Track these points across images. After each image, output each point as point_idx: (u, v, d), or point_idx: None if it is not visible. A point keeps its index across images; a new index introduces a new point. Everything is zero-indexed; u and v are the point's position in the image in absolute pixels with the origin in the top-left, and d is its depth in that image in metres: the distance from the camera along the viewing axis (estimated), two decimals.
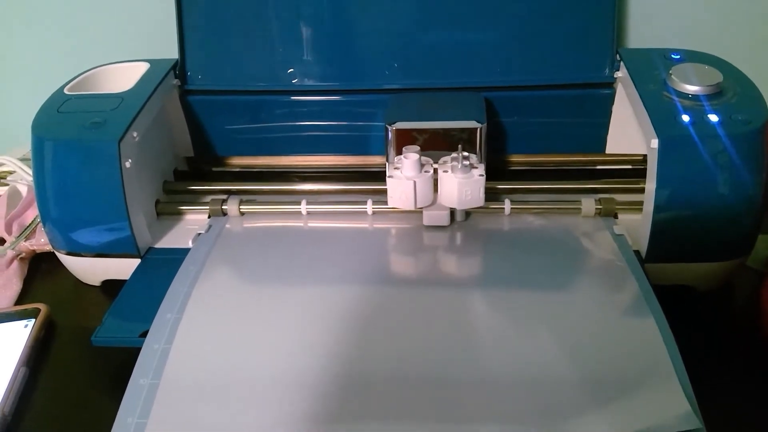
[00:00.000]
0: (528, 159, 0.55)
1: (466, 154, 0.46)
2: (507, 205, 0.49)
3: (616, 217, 0.49)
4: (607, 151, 0.55)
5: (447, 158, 0.47)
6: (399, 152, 0.47)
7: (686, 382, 0.34)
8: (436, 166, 0.47)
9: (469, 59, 0.54)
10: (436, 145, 0.48)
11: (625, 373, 0.35)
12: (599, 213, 0.49)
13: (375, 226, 0.50)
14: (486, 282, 0.43)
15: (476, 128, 0.47)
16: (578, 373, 0.35)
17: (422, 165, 0.47)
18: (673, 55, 0.50)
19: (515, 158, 0.55)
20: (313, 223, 0.50)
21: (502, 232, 0.48)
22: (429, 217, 0.48)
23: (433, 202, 0.48)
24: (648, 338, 0.37)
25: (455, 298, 0.42)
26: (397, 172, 0.47)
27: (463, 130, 0.48)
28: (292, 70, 0.55)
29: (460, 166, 0.46)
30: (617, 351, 0.37)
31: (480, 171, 0.46)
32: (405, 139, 0.48)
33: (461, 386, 0.35)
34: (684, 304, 0.45)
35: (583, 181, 0.52)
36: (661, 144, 0.42)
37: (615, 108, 0.53)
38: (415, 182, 0.46)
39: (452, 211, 0.48)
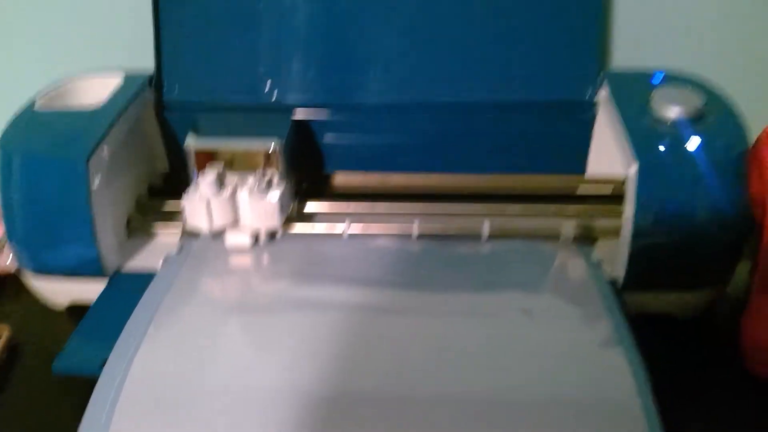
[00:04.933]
0: (505, 180, 0.54)
1: (268, 174, 0.47)
2: (485, 228, 0.48)
3: (594, 243, 0.48)
4: (588, 173, 0.54)
5: (250, 178, 0.47)
6: (200, 171, 0.48)
7: (654, 421, 0.33)
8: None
9: (450, 75, 0.53)
10: (243, 164, 0.48)
11: (589, 411, 0.34)
12: (577, 239, 0.48)
13: (352, 246, 0.49)
14: (452, 307, 0.42)
15: (272, 149, 0.47)
16: (537, 408, 0.35)
17: (223, 185, 0.47)
18: (655, 78, 0.50)
19: (493, 179, 0.54)
20: (291, 243, 0.49)
21: (478, 256, 0.47)
22: (229, 239, 0.48)
23: (237, 222, 0.48)
24: (616, 373, 0.36)
25: (425, 322, 0.41)
26: (195, 191, 0.47)
27: (260, 150, 0.48)
28: (271, 84, 0.54)
29: (256, 187, 0.46)
30: (581, 386, 0.36)
31: (278, 192, 0.47)
32: (207, 158, 0.48)
33: (419, 411, 0.35)
34: (664, 333, 0.44)
35: (562, 205, 0.51)
36: (639, 170, 0.41)
37: (596, 129, 0.52)
38: (208, 202, 0.46)
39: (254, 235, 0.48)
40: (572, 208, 0.51)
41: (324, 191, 0.55)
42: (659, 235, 0.42)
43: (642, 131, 0.44)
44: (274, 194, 0.47)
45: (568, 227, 0.48)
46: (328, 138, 0.54)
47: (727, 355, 0.42)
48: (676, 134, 0.43)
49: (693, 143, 0.42)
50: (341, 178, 0.55)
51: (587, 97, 0.52)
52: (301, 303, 0.43)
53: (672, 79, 0.49)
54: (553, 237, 0.48)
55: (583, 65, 0.52)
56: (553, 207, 0.51)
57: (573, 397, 0.35)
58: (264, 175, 0.47)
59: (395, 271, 0.46)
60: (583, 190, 0.53)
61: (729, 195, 0.42)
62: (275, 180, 0.48)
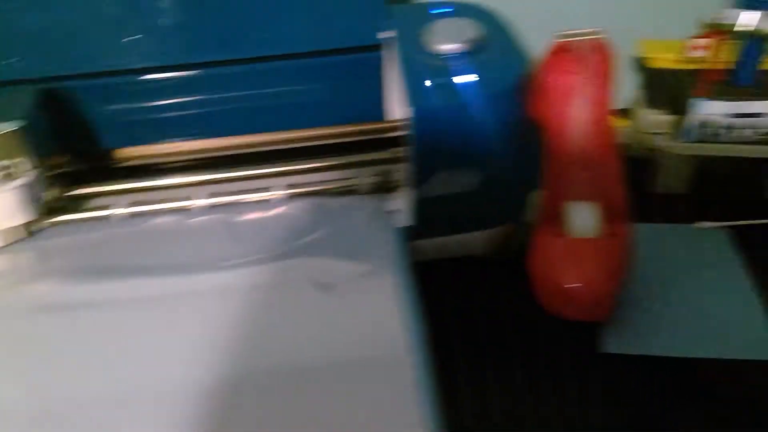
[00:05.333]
0: (302, 135, 0.50)
1: (9, 163, 0.41)
2: (276, 191, 0.44)
3: (393, 192, 0.45)
4: (387, 118, 0.51)
5: None
6: None
7: (425, 375, 0.31)
8: None
9: (229, 32, 0.48)
10: None
11: (361, 373, 0.33)
12: (375, 189, 0.45)
13: (126, 230, 0.43)
14: (236, 282, 0.39)
15: (10, 132, 0.40)
16: (311, 376, 0.33)
17: None
18: (439, 10, 0.46)
19: (288, 135, 0.49)
20: (49, 238, 0.43)
21: (267, 221, 0.43)
22: None
23: None
24: (391, 331, 0.34)
25: (206, 304, 0.38)
26: None
27: None
28: (12, 55, 0.46)
29: None
30: (356, 348, 0.34)
31: (21, 182, 0.41)
32: None
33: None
34: (461, 274, 0.43)
35: (359, 155, 0.48)
36: (413, 112, 0.38)
37: (388, 72, 0.49)
38: None
39: None
40: (369, 157, 0.47)
41: (96, 170, 0.48)
42: (442, 179, 0.40)
43: (417, 70, 0.41)
44: (17, 185, 0.40)
45: (364, 179, 0.45)
46: (91, 110, 0.48)
47: (519, 292, 0.41)
48: (451, 70, 0.40)
49: (467, 79, 0.40)
50: (116, 154, 0.49)
51: (373, 39, 0.48)
52: (54, 308, 0.38)
53: (457, 10, 0.46)
54: (349, 190, 0.45)
55: (366, 5, 0.48)
56: (349, 159, 0.47)
57: (347, 360, 0.34)
58: (4, 164, 0.40)
59: (172, 252, 0.41)
60: (380, 137, 0.50)
61: (506, 128, 0.40)
62: (19, 168, 0.41)
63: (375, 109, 0.50)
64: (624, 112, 0.58)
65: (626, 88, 0.62)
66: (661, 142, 0.49)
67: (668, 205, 0.49)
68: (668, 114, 0.50)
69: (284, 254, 0.40)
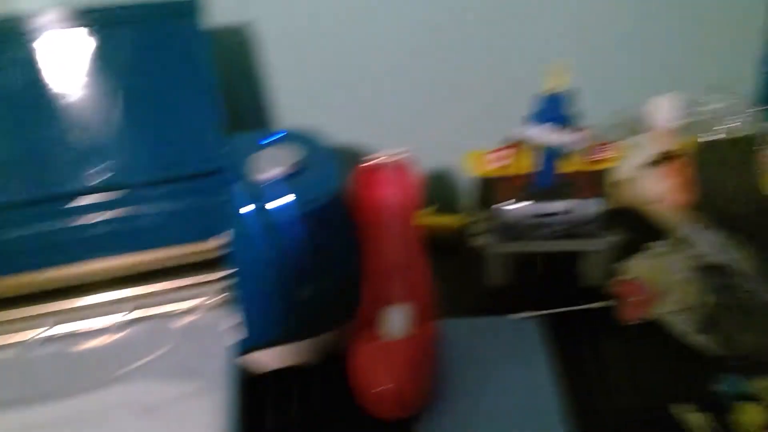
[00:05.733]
0: (151, 257, 0.52)
1: None
2: (119, 317, 0.46)
3: (230, 308, 0.48)
4: None
5: None
6: None
7: None
8: None
9: (74, 163, 0.51)
10: None
11: None
12: (213, 307, 0.47)
13: None
14: (67, 413, 0.40)
15: None
16: None
17: None
18: (268, 138, 0.51)
19: (132, 259, 0.52)
20: None
21: (105, 350, 0.45)
22: None
23: None
24: None
25: None
26: None
27: None
28: None
29: None
30: None
31: None
32: None
33: None
34: (293, 384, 0.45)
35: (206, 273, 0.50)
36: (230, 239, 0.42)
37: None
38: None
39: None
40: (212, 275, 0.50)
41: None
42: (261, 299, 0.43)
43: (236, 198, 0.45)
44: None
45: (204, 298, 0.48)
46: None
47: (345, 396, 0.43)
48: (267, 196, 0.44)
49: (281, 202, 0.44)
50: None
51: (215, 165, 0.52)
52: None
53: (283, 138, 0.51)
54: (189, 310, 0.47)
55: (207, 134, 0.52)
56: (196, 278, 0.50)
57: None
58: None
59: (8, 387, 0.42)
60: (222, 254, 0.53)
61: (327, 243, 0.44)
62: None
63: (222, 228, 0.54)
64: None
65: (465, 192, 0.69)
66: (483, 241, 0.54)
67: (492, 299, 0.54)
68: (487, 215, 0.56)
69: (114, 380, 0.42)
